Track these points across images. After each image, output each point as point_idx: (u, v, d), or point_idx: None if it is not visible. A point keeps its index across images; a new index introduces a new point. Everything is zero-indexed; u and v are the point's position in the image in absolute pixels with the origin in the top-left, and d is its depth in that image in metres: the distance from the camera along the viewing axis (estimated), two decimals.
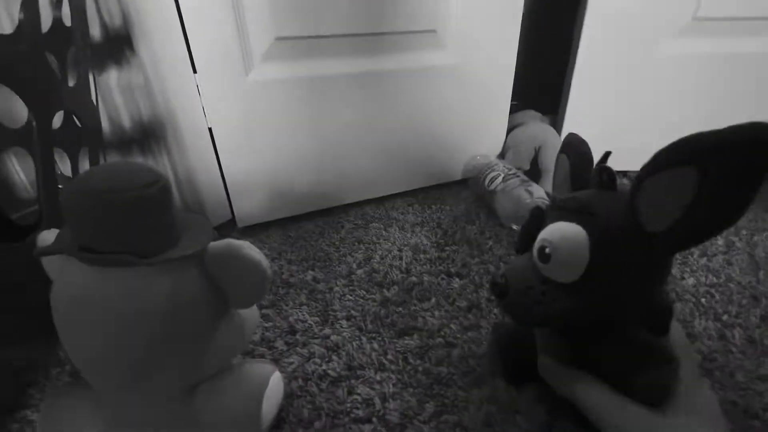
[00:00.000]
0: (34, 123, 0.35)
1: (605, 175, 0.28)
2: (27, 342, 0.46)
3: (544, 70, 0.92)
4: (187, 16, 0.54)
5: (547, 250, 0.27)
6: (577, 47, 0.76)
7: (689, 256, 0.60)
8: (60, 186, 0.82)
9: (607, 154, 0.30)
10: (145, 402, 0.26)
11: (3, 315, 0.43)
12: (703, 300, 0.51)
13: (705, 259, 0.59)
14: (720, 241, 0.63)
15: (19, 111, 0.84)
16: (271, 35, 0.59)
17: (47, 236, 0.26)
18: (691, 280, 0.54)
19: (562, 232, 0.26)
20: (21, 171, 0.86)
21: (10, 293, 0.41)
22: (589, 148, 0.33)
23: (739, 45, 0.73)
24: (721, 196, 0.21)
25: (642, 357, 0.27)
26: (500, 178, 0.72)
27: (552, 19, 0.89)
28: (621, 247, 0.25)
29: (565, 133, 0.82)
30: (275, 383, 0.29)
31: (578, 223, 0.26)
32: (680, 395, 0.26)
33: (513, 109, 0.85)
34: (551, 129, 0.83)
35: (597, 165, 0.29)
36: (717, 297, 0.51)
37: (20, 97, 0.33)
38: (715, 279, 0.55)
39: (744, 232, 0.66)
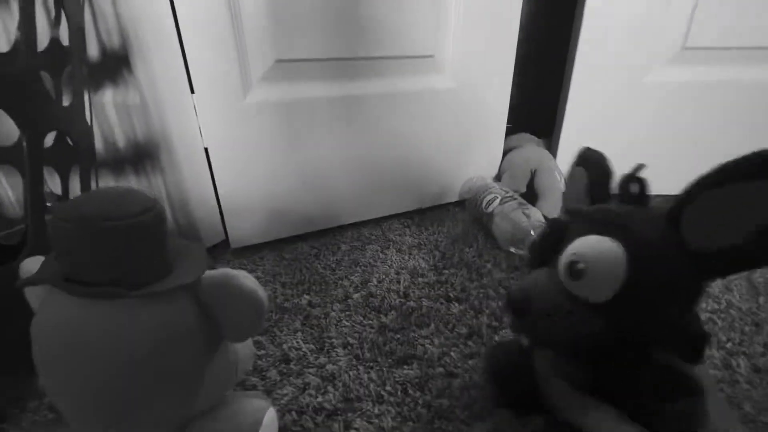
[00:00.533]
0: (24, 143, 0.34)
1: (638, 187, 0.26)
2: (3, 372, 0.44)
3: (538, 94, 0.93)
4: (186, 35, 0.54)
5: (579, 266, 0.24)
6: (571, 73, 0.78)
7: None
8: (49, 204, 0.80)
9: (639, 167, 0.28)
10: None
11: None
12: (705, 327, 0.50)
13: None
14: None
15: (10, 128, 0.82)
16: (271, 57, 0.59)
17: (30, 265, 0.25)
18: None
19: (596, 246, 0.24)
20: (9, 189, 0.84)
21: None
22: (607, 161, 0.32)
23: (727, 74, 0.75)
24: None
25: (673, 386, 0.25)
26: (497, 201, 0.71)
27: (546, 44, 0.92)
28: (660, 266, 0.23)
29: (560, 155, 0.83)
30: (269, 420, 0.27)
31: (612, 237, 0.24)
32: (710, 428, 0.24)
33: (507, 132, 0.86)
34: (546, 152, 0.84)
35: (627, 175, 0.27)
36: (719, 324, 0.51)
37: (11, 116, 0.32)
38: (716, 305, 0.54)
39: None
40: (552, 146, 0.87)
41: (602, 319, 0.24)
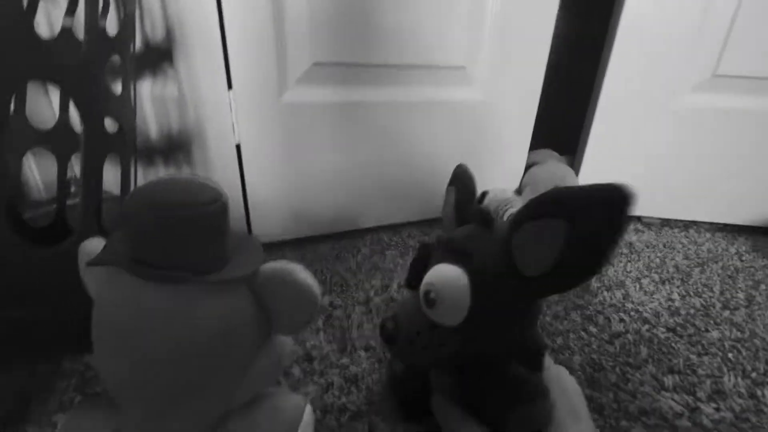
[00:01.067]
0: (82, 126, 0.34)
1: (480, 216, 0.29)
2: (32, 353, 0.44)
3: (562, 110, 0.94)
4: (230, 33, 0.55)
5: (431, 295, 0.27)
6: (599, 93, 0.78)
7: (711, 308, 0.59)
8: (72, 189, 0.81)
9: (483, 194, 0.31)
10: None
11: (7, 324, 0.41)
12: (730, 355, 0.50)
13: (728, 312, 0.58)
14: (740, 294, 0.63)
15: (45, 112, 0.84)
16: (309, 60, 0.60)
17: (91, 246, 0.25)
18: (715, 333, 0.53)
19: (445, 276, 0.27)
20: (37, 172, 0.85)
21: (17, 301, 0.39)
22: (473, 182, 0.34)
23: (758, 103, 0.75)
24: (587, 247, 0.22)
25: (516, 392, 0.28)
26: None
27: (575, 62, 0.92)
28: (499, 290, 0.26)
29: (582, 174, 0.83)
30: (308, 417, 0.28)
31: (459, 265, 0.27)
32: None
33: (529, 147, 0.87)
34: (570, 169, 0.84)
35: (475, 204, 0.30)
36: (744, 353, 0.50)
37: (74, 100, 0.33)
38: (739, 334, 0.54)
39: (763, 286, 0.65)
40: (575, 165, 0.88)
41: (457, 341, 0.27)
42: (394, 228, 0.81)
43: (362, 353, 0.47)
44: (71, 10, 0.58)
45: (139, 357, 0.21)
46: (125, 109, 0.42)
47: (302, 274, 0.24)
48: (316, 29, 0.59)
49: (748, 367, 0.48)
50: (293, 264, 0.24)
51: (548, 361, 0.30)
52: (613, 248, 0.21)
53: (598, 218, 0.21)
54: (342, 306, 0.56)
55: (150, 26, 0.59)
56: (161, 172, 0.71)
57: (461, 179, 0.34)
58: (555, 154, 0.92)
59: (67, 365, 0.43)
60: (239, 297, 0.23)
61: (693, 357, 0.49)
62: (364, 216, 0.77)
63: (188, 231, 0.21)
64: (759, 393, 0.44)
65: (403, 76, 0.68)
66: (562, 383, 0.30)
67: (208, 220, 0.22)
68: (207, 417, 0.25)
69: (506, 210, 0.75)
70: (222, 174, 0.65)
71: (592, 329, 0.53)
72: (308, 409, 0.28)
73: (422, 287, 0.28)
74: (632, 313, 0.57)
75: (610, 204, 0.21)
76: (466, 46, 0.69)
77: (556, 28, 0.74)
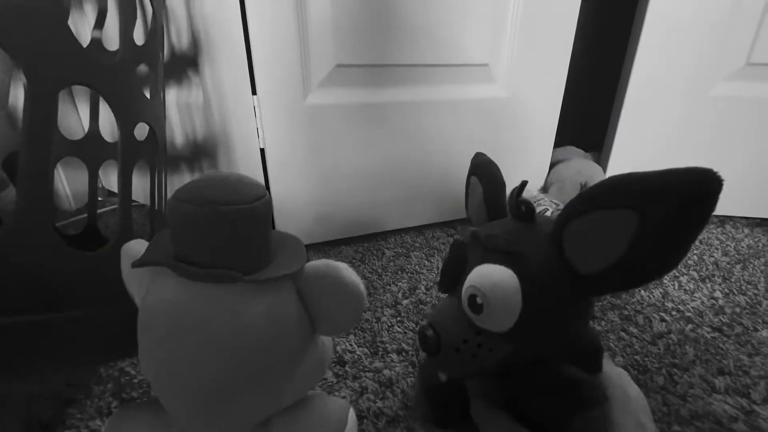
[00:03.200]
0: (118, 131, 0.35)
1: (523, 208, 0.26)
2: (68, 358, 0.45)
3: (588, 107, 0.92)
4: (254, 39, 0.55)
5: (478, 300, 0.25)
6: (626, 85, 0.76)
7: (758, 306, 0.56)
8: (100, 199, 0.82)
9: (523, 184, 0.28)
10: None
11: (45, 328, 0.42)
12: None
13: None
14: None
15: (75, 124, 0.86)
16: (332, 62, 0.60)
17: (135, 247, 0.25)
18: (765, 332, 0.50)
19: (492, 278, 0.24)
20: (66, 182, 0.87)
21: (55, 305, 0.40)
22: (499, 171, 0.32)
23: None
24: (660, 242, 0.19)
25: (576, 396, 0.26)
26: (549, 213, 0.70)
27: (598, 58, 0.90)
28: (552, 290, 0.24)
29: (610, 170, 0.81)
30: (353, 420, 0.27)
31: (506, 265, 0.24)
32: None
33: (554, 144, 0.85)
34: (597, 166, 0.82)
35: (514, 196, 0.28)
36: None
37: (109, 105, 0.33)
38: None
39: None
40: (602, 160, 0.85)
41: (508, 346, 0.25)
42: (417, 229, 0.80)
43: (394, 356, 0.46)
44: (100, 23, 0.60)
45: (188, 358, 0.21)
46: (158, 115, 0.43)
47: (348, 272, 0.23)
48: (339, 31, 0.59)
49: None
50: (338, 262, 0.23)
51: (608, 363, 0.28)
52: (690, 243, 0.19)
53: (675, 209, 0.18)
54: (371, 309, 0.55)
55: (176, 34, 0.60)
56: (187, 178, 0.72)
57: (485, 168, 0.32)
58: (581, 151, 0.90)
59: (102, 371, 0.44)
60: (285, 296, 0.22)
61: (743, 357, 0.46)
62: (387, 218, 0.76)
63: (235, 229, 0.21)
64: None
65: (426, 75, 0.67)
66: (626, 388, 0.27)
67: (255, 217, 0.21)
68: (254, 418, 0.24)
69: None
70: None
71: (633, 330, 0.51)
72: (351, 413, 0.27)
73: (466, 291, 0.26)
74: (674, 313, 0.54)
75: (690, 192, 0.18)
76: (488, 43, 0.68)
77: (580, 20, 0.72)
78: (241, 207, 0.20)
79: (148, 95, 0.48)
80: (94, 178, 0.61)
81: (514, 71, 0.72)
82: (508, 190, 0.30)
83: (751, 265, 0.67)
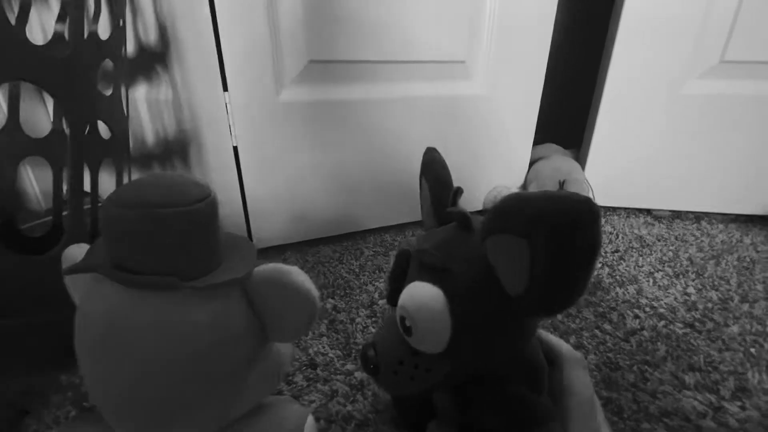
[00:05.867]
0: (67, 129, 0.33)
1: (458, 218, 0.25)
2: (26, 364, 0.43)
3: (566, 105, 0.92)
4: (224, 33, 0.54)
5: (407, 322, 0.24)
6: (604, 82, 0.76)
7: (729, 301, 0.57)
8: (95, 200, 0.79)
9: (457, 191, 0.27)
10: None
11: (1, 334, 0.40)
12: (752, 350, 0.47)
13: (747, 305, 0.56)
14: (758, 286, 0.61)
15: (41, 120, 0.83)
16: (305, 57, 0.59)
17: (74, 252, 0.24)
18: (735, 328, 0.51)
19: (417, 299, 0.23)
20: (35, 181, 0.84)
21: (11, 311, 0.38)
22: (446, 170, 0.30)
23: (765, 89, 0.73)
24: (551, 272, 0.18)
25: (522, 415, 0.25)
26: None
27: (577, 55, 0.91)
28: (481, 308, 0.22)
29: (588, 167, 0.81)
30: (310, 428, 0.26)
31: (435, 283, 0.23)
32: None
33: (533, 142, 0.85)
34: (576, 163, 0.82)
35: (450, 205, 0.26)
36: (766, 347, 0.48)
37: (57, 102, 0.31)
38: (760, 327, 0.51)
39: None
40: (581, 158, 0.86)
41: (445, 365, 0.24)
42: (397, 228, 0.79)
43: None
44: (62, 16, 0.57)
45: (123, 372, 0.19)
46: (115, 112, 0.41)
47: (299, 276, 0.22)
48: (311, 26, 0.57)
49: None
50: (288, 266, 0.22)
51: (575, 372, 0.27)
52: (587, 270, 0.18)
53: (552, 237, 0.17)
54: (345, 310, 0.54)
55: (142, 29, 0.58)
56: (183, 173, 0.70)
57: (432, 168, 0.30)
58: (560, 148, 0.90)
59: (63, 378, 0.42)
60: (232, 302, 0.21)
61: (714, 353, 0.47)
62: (366, 217, 0.75)
63: (174, 232, 0.20)
64: None
65: (403, 71, 0.66)
66: (591, 403, 0.26)
67: (196, 219, 0.20)
68: (204, 430, 0.23)
69: None
70: (220, 177, 0.63)
71: (607, 327, 0.51)
72: (310, 419, 0.26)
73: (398, 312, 0.25)
74: (647, 309, 0.55)
75: (563, 221, 0.17)
76: (465, 40, 0.68)
77: (558, 17, 0.72)
78: (179, 209, 0.19)
79: (110, 91, 0.46)
80: (58, 177, 0.58)
81: (492, 68, 0.71)
82: (482, 190, 0.29)
83: (725, 261, 0.68)
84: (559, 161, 0.82)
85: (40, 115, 0.81)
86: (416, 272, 0.25)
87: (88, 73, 0.38)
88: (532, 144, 0.83)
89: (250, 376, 0.23)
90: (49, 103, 0.82)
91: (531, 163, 0.86)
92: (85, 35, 0.46)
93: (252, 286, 0.22)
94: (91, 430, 0.24)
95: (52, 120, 0.59)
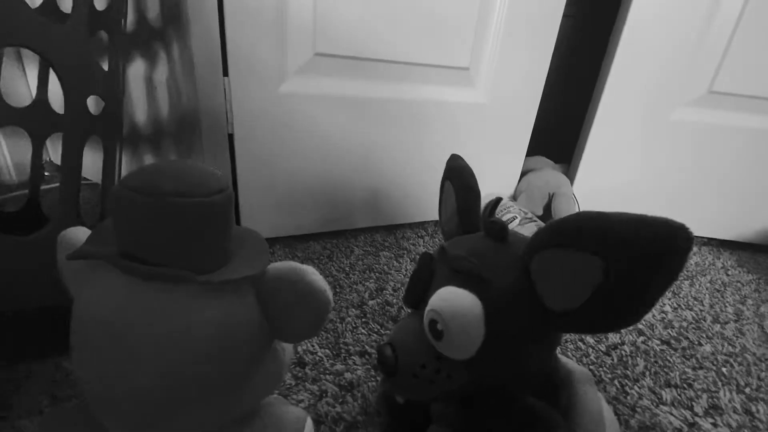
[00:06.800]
0: (64, 103, 0.31)
1: (496, 228, 0.25)
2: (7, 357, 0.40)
3: (559, 121, 0.94)
4: (229, 16, 0.52)
5: (439, 326, 0.24)
6: (598, 102, 0.78)
7: (702, 321, 0.59)
8: (47, 174, 0.76)
9: (497, 200, 0.27)
10: None
11: None
12: (723, 369, 0.50)
13: (718, 326, 0.59)
14: (729, 308, 0.64)
15: (23, 90, 0.78)
16: (311, 50, 0.58)
17: (74, 235, 0.22)
18: (708, 347, 0.54)
19: (454, 304, 0.23)
20: (8, 151, 0.79)
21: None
22: (474, 179, 0.30)
23: (752, 121, 0.76)
24: (624, 293, 0.18)
25: (532, 428, 0.25)
26: (516, 221, 0.71)
27: (575, 72, 0.93)
28: (517, 321, 0.22)
29: (577, 182, 0.83)
30: (309, 430, 0.25)
31: (471, 290, 0.23)
32: None
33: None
34: (565, 177, 0.84)
35: (487, 213, 0.26)
36: (736, 368, 0.50)
37: (56, 73, 0.29)
38: (731, 348, 0.54)
39: (750, 301, 0.66)
40: (570, 173, 0.88)
41: (468, 373, 0.24)
42: (387, 228, 0.79)
43: (357, 359, 0.45)
44: None
45: (125, 368, 0.18)
46: (113, 88, 0.39)
47: (316, 276, 0.21)
48: (321, 18, 0.56)
49: (742, 382, 0.48)
50: (304, 265, 0.22)
51: (584, 387, 0.27)
52: (657, 299, 0.18)
53: (641, 262, 0.17)
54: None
55: (143, 2, 0.56)
56: (147, 159, 0.67)
57: (459, 175, 0.30)
58: (551, 162, 0.92)
59: (36, 366, 0.39)
60: (243, 299, 0.21)
61: (689, 371, 0.49)
62: (359, 215, 0.75)
63: (187, 223, 0.19)
64: (753, 409, 0.44)
65: (407, 73, 0.66)
66: (602, 417, 0.26)
67: (211, 212, 0.19)
68: (205, 429, 0.22)
69: (502, 216, 0.74)
70: (212, 164, 0.61)
71: (589, 340, 0.52)
72: (309, 421, 0.26)
73: (427, 314, 0.24)
74: None
75: (659, 248, 0.17)
76: (470, 47, 0.68)
77: (559, 36, 0.74)
78: (196, 200, 0.18)
79: (106, 66, 0.44)
80: (38, 150, 0.55)
81: (494, 78, 0.72)
82: (484, 200, 0.29)
83: (698, 282, 0.71)
84: (550, 175, 0.83)
85: (19, 84, 0.76)
86: (446, 277, 0.25)
87: (87, 43, 0.36)
88: (525, 155, 0.84)
89: (254, 375, 0.22)
90: (31, 72, 0.77)
91: (522, 174, 0.87)
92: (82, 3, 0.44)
93: (264, 284, 0.21)
94: (79, 426, 0.23)
95: (36, 90, 0.55)
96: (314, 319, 0.22)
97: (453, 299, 0.23)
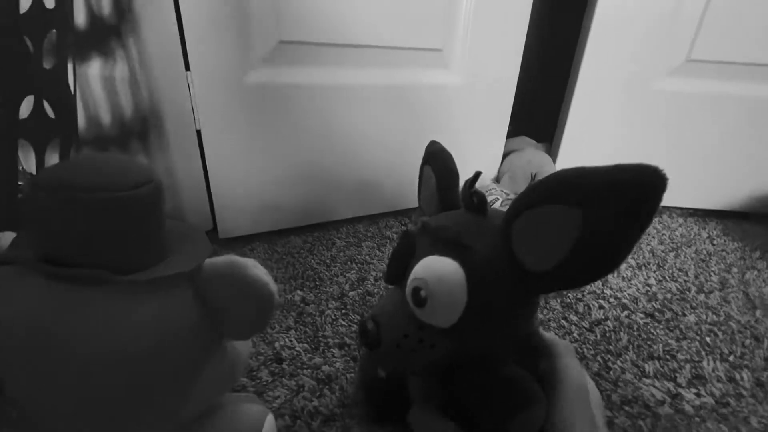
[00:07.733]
0: None
1: (475, 199, 0.26)
2: None
3: (539, 97, 0.93)
4: (185, 7, 0.50)
5: (422, 293, 0.24)
6: (576, 78, 0.77)
7: (687, 292, 0.59)
8: (21, 183, 0.74)
9: (477, 175, 0.28)
10: None
11: None
12: (707, 339, 0.49)
13: (703, 295, 0.58)
14: (714, 277, 0.63)
15: None
16: (275, 37, 0.56)
17: (3, 239, 0.21)
18: (692, 317, 0.53)
19: (437, 271, 0.24)
20: None
21: None
22: (453, 161, 0.31)
23: (730, 88, 0.75)
24: (603, 241, 0.19)
25: (514, 397, 0.26)
26: (498, 203, 0.70)
27: (550, 48, 0.91)
28: (499, 286, 0.23)
29: (560, 161, 0.82)
30: (269, 427, 0.25)
31: (453, 257, 0.24)
32: None
33: (507, 135, 0.85)
34: (547, 156, 0.83)
35: (467, 187, 0.27)
36: (720, 336, 0.50)
37: None
38: (715, 317, 0.54)
39: (735, 269, 0.66)
40: (552, 152, 0.87)
41: (450, 342, 0.25)
42: (370, 218, 0.78)
43: (336, 351, 0.45)
44: None
45: (55, 377, 0.17)
46: (58, 85, 0.37)
47: (255, 269, 0.20)
48: (284, 3, 0.54)
49: (725, 351, 0.48)
50: (243, 258, 0.20)
51: (566, 360, 0.27)
52: (634, 244, 0.19)
53: (621, 206, 0.18)
54: (315, 302, 0.52)
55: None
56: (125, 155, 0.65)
57: (438, 157, 0.31)
58: (532, 141, 0.91)
59: None
60: (178, 298, 0.19)
61: (672, 342, 0.49)
62: (338, 206, 0.73)
63: (109, 219, 0.18)
64: (737, 376, 0.44)
65: (378, 57, 0.64)
66: (585, 390, 0.26)
67: (136, 206, 0.18)
68: None
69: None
70: (182, 162, 0.60)
71: (573, 317, 0.52)
72: (270, 418, 0.25)
73: (410, 283, 0.25)
74: (611, 300, 0.56)
75: (637, 189, 0.18)
76: (442, 27, 0.66)
77: (533, 11, 0.72)
78: (112, 194, 0.17)
79: (51, 62, 0.42)
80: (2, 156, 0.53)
81: (468, 58, 0.70)
82: (462, 181, 0.29)
83: (683, 253, 0.70)
84: (532, 154, 0.82)
85: None
86: (429, 249, 0.25)
87: (22, 40, 0.34)
88: (506, 135, 0.83)
89: (201, 375, 0.21)
90: None
91: (504, 156, 0.86)
92: (30, 4, 0.42)
93: (203, 281, 0.20)
94: None
95: None
96: (257, 314, 0.21)
97: (437, 266, 0.24)
